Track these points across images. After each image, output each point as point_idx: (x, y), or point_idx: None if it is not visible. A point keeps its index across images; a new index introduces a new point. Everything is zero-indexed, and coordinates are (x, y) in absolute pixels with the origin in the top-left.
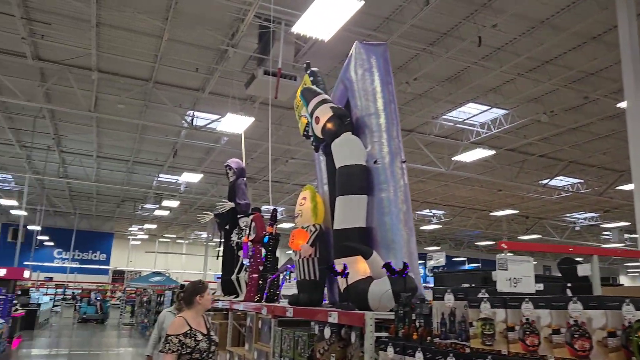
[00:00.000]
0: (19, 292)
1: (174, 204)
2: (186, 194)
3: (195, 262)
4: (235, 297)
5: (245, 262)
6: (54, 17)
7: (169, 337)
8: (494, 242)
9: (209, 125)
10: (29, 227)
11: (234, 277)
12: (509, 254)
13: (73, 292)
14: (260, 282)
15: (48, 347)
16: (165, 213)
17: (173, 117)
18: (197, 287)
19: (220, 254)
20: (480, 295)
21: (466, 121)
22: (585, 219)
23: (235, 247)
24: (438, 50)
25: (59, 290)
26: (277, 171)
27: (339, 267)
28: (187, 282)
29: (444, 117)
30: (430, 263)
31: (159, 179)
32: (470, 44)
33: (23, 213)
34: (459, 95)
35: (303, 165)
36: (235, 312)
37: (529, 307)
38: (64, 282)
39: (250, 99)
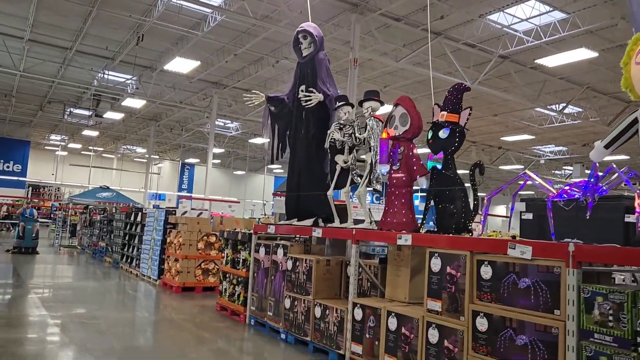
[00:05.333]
0: None
1: (138, 103)
2: (141, 96)
3: (130, 179)
4: (313, 222)
5: (383, 169)
6: None
7: None
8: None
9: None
10: None
11: (329, 192)
12: None
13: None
14: (446, 204)
15: None
16: (119, 116)
17: None
18: None
19: (274, 159)
20: None
21: (511, 26)
22: (551, 152)
23: (329, 150)
24: None
25: None
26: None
27: None
28: None
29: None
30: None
31: (105, 76)
32: None
33: None
34: None
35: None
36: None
37: None
38: None
39: None
